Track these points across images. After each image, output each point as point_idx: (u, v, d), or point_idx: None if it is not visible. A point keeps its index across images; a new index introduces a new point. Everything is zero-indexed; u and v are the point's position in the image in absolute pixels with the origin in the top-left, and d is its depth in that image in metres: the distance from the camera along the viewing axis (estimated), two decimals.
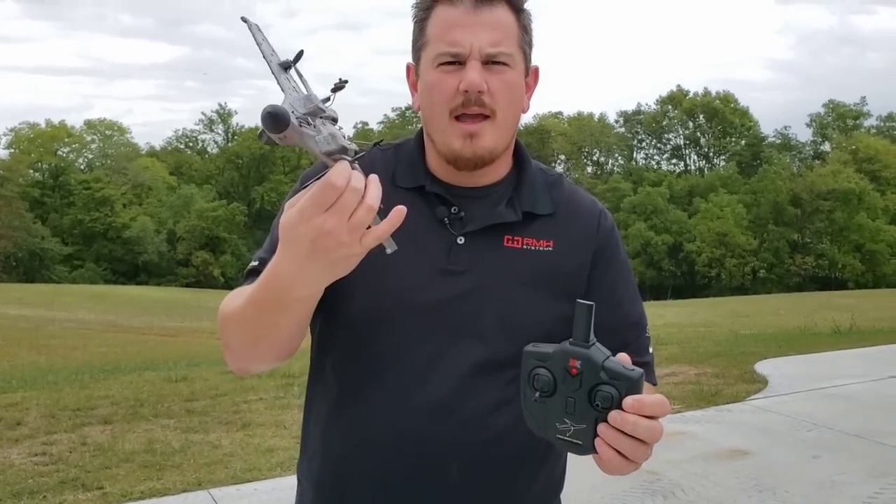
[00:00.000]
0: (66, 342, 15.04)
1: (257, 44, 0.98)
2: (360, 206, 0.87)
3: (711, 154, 66.79)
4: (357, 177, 0.88)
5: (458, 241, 1.20)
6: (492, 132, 1.17)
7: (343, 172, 0.86)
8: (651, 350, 1.32)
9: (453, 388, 1.17)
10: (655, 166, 67.26)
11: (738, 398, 6.36)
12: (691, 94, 65.66)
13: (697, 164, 67.72)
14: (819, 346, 9.19)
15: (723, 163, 65.03)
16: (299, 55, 1.02)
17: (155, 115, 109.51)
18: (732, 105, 64.94)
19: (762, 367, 7.68)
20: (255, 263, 1.23)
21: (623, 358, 0.94)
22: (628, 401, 0.91)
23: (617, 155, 68.72)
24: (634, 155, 69.10)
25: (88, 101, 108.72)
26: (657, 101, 67.77)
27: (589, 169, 66.46)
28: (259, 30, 1.01)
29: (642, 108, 68.23)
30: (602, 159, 68.81)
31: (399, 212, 0.90)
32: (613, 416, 0.91)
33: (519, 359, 1.15)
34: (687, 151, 67.79)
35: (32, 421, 5.53)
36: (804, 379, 7.05)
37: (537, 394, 0.96)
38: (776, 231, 53.64)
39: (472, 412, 1.18)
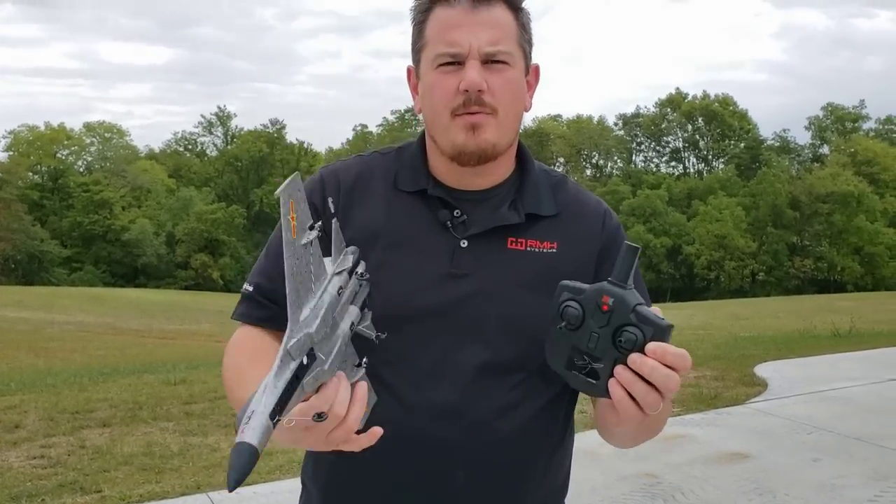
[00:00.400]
0: (64, 345, 15.01)
1: (281, 214, 0.87)
2: (340, 427, 0.90)
3: (710, 157, 66.83)
4: (340, 401, 0.88)
5: (461, 245, 1.20)
6: (494, 126, 1.16)
7: (321, 406, 0.87)
8: None
9: (458, 392, 1.17)
10: (654, 169, 67.29)
11: (737, 401, 6.36)
12: (690, 97, 65.78)
13: (696, 167, 67.82)
14: (819, 348, 9.19)
15: (722, 165, 65.06)
16: (332, 214, 1.02)
17: (154, 118, 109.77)
18: (731, 108, 65.01)
19: (762, 369, 7.67)
20: (249, 289, 1.24)
21: (656, 310, 0.95)
22: (651, 346, 0.91)
23: (616, 158, 68.77)
24: (633, 158, 69.18)
25: (87, 103, 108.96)
26: (656, 103, 67.96)
27: (588, 172, 66.49)
28: (300, 190, 0.89)
29: (641, 111, 68.39)
30: (601, 162, 68.87)
31: (375, 433, 0.94)
32: (633, 357, 0.92)
33: (523, 362, 1.15)
34: (686, 154, 67.87)
35: (31, 424, 5.52)
36: (804, 382, 7.05)
37: (564, 323, 0.97)
38: (775, 234, 53.67)
39: (478, 416, 1.17)
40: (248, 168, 64.62)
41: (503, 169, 1.25)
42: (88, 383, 7.28)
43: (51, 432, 5.29)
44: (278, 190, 0.87)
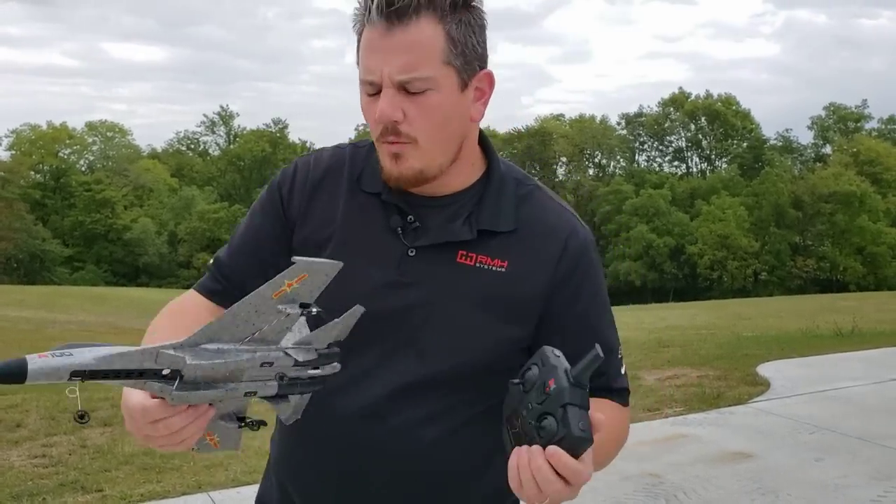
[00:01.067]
0: None
1: (281, 274, 0.88)
2: (160, 439, 0.95)
3: (713, 156, 66.70)
4: (169, 423, 0.92)
5: (409, 253, 1.17)
6: (416, 155, 1.12)
7: (145, 415, 0.93)
8: (624, 371, 1.28)
9: (383, 398, 1.16)
10: (657, 168, 67.09)
11: (740, 401, 6.34)
12: (693, 97, 65.62)
13: (699, 167, 67.63)
14: (821, 348, 9.15)
15: (724, 165, 64.93)
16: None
17: (156, 117, 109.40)
18: (734, 107, 64.84)
19: (764, 369, 7.65)
20: (210, 262, 1.30)
21: (595, 416, 0.94)
22: (550, 449, 0.93)
23: (619, 157, 68.60)
24: (636, 157, 68.97)
25: (90, 102, 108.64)
26: (659, 103, 67.68)
27: (591, 171, 66.41)
28: (327, 276, 0.92)
29: (644, 111, 68.26)
30: (604, 161, 68.72)
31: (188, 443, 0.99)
32: (533, 450, 0.94)
33: (457, 374, 1.16)
34: (689, 154, 67.71)
35: (32, 423, 5.53)
36: (806, 381, 7.03)
37: (519, 381, 1.01)
38: (778, 233, 53.59)
39: (403, 422, 1.16)
40: (250, 167, 64.61)
41: (459, 179, 1.21)
42: (90, 383, 7.28)
43: (52, 431, 5.29)
44: (306, 259, 0.87)
